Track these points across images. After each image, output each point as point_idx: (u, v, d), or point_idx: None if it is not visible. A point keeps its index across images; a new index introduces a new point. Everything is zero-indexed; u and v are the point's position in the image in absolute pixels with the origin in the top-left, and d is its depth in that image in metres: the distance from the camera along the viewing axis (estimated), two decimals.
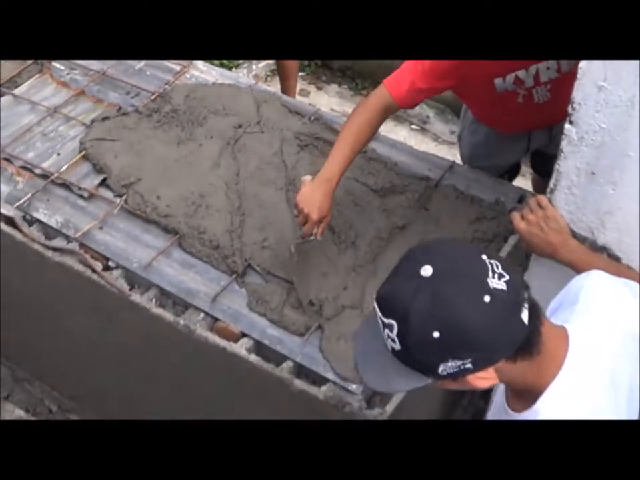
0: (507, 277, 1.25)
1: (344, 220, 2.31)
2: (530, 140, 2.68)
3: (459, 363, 1.25)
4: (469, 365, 1.25)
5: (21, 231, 2.36)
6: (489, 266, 1.25)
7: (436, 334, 1.22)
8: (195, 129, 2.64)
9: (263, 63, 4.70)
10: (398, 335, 1.26)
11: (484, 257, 1.27)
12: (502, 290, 1.24)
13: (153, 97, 2.75)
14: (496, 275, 1.24)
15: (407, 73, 2.16)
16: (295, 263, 2.16)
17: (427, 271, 1.25)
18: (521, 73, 2.27)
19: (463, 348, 1.24)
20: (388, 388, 1.48)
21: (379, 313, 1.29)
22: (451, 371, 1.26)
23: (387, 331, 1.28)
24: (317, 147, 2.58)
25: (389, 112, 2.21)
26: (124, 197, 2.41)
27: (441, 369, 1.26)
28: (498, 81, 2.28)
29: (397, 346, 1.27)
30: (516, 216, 1.84)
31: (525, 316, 1.26)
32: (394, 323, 1.26)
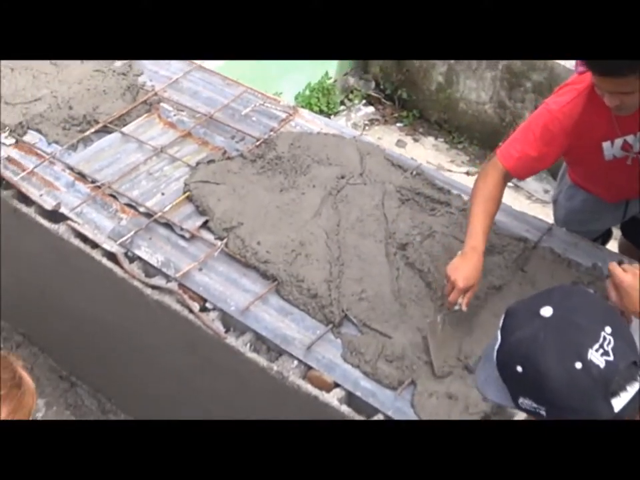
0: (611, 359, 1.31)
1: (441, 277, 2.42)
2: (627, 207, 2.74)
3: (535, 405, 1.35)
4: (543, 412, 1.35)
5: (122, 267, 2.53)
6: (601, 338, 1.32)
7: (519, 368, 1.34)
8: (298, 177, 2.79)
9: (362, 111, 4.88)
10: (497, 349, 1.40)
11: (606, 329, 1.33)
12: (597, 366, 1.31)
13: (257, 143, 2.92)
14: (600, 350, 1.31)
15: (517, 142, 2.29)
16: (437, 333, 2.26)
17: (546, 311, 1.36)
18: (630, 138, 2.35)
19: (538, 395, 1.34)
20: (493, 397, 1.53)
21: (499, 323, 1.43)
22: (529, 408, 1.36)
23: (494, 342, 1.42)
24: (418, 203, 2.70)
25: (506, 181, 2.36)
26: (224, 240, 2.56)
27: (520, 400, 1.37)
28: (606, 145, 2.36)
29: (494, 359, 1.41)
30: (618, 268, 1.87)
31: (617, 403, 1.32)
32: (499, 336, 1.41)
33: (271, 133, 2.99)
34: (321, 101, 4.83)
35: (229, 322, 2.41)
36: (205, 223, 2.64)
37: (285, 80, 4.80)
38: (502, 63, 4.21)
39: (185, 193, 2.73)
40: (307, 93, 4.85)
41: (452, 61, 4.41)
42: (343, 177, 2.77)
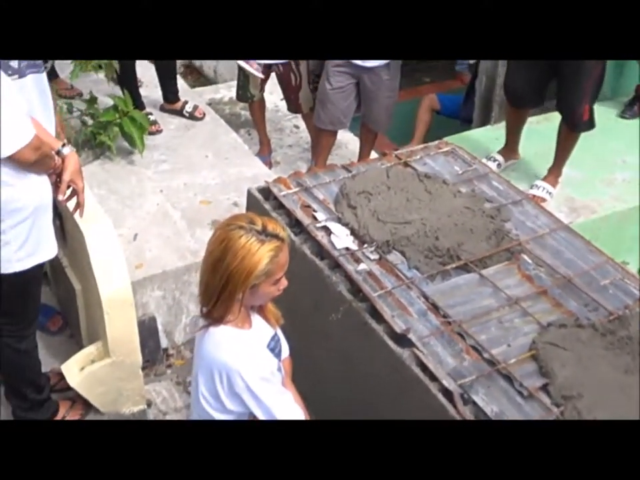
0: None
1: None
2: None
3: None
4: None
5: (455, 407, 2.88)
6: None
7: None
8: None
9: None
10: None
11: None
12: None
13: (611, 318, 3.18)
14: None
15: None
16: None
17: None
18: None
19: None
20: None
21: None
22: None
23: None
24: None
25: None
26: (561, 408, 2.83)
27: None
28: None
29: None
30: None
31: None
32: None
33: (626, 310, 3.25)
34: None
35: None
36: (545, 385, 2.93)
37: (635, 252, 5.08)
38: None
39: (530, 350, 3.04)
40: None
41: None
42: None
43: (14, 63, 3.35)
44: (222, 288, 2.54)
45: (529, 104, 5.61)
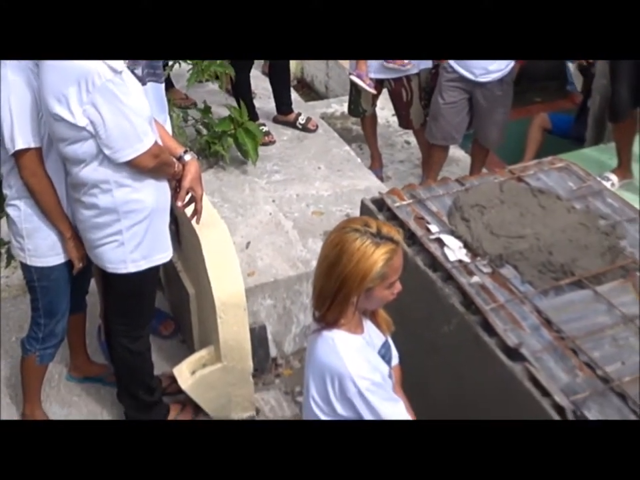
0: None
1: None
2: None
3: None
4: None
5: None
6: None
7: None
8: None
9: None
10: None
11: None
12: None
13: None
14: None
15: None
16: None
17: None
18: None
19: None
20: None
21: None
22: None
23: None
24: None
25: None
26: None
27: None
28: None
29: None
30: None
31: None
32: None
33: None
34: None
35: None
36: None
37: None
38: None
39: None
40: None
41: None
42: None
43: (138, 71, 3.45)
44: (337, 291, 2.56)
45: (625, 112, 5.48)
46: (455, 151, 6.72)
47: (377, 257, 2.52)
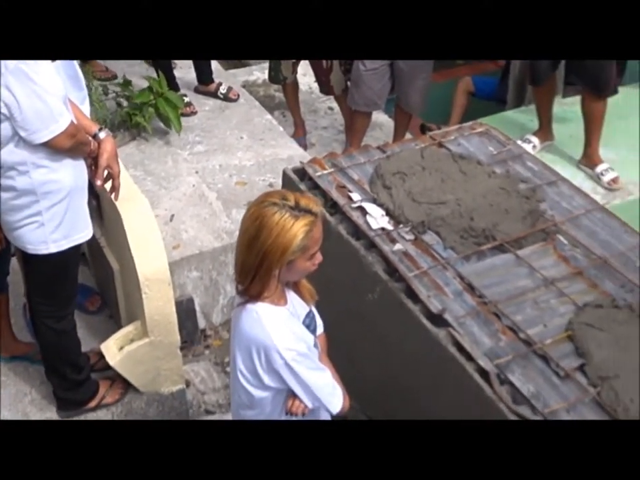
0: None
1: None
2: None
3: None
4: None
5: (492, 387, 2.85)
6: None
7: None
8: None
9: None
10: None
11: None
12: None
13: None
14: None
15: None
16: None
17: None
18: None
19: None
20: None
21: None
22: None
23: None
24: None
25: None
26: (598, 389, 2.80)
27: None
28: None
29: None
30: None
31: None
32: None
33: None
34: None
35: None
36: (582, 365, 2.89)
37: None
38: None
39: (566, 330, 3.00)
40: None
41: None
42: None
43: None
44: (258, 265, 2.54)
45: (545, 76, 5.50)
46: (379, 116, 6.69)
47: (297, 229, 2.49)
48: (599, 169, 5.49)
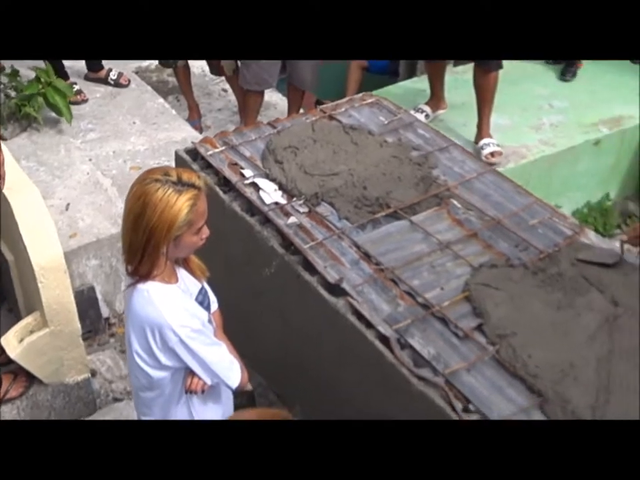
0: None
1: None
2: None
3: None
4: None
5: (393, 352, 2.84)
6: None
7: None
8: (576, 298, 2.99)
9: None
10: None
11: None
12: None
13: (541, 256, 3.16)
14: None
15: None
16: None
17: None
18: None
19: None
20: None
21: None
22: None
23: None
24: None
25: None
26: (497, 347, 2.82)
27: None
28: None
29: None
30: None
31: None
32: None
33: (555, 248, 3.23)
34: (598, 221, 5.06)
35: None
36: (480, 325, 2.91)
37: (565, 196, 5.10)
38: None
39: (464, 291, 3.01)
40: (585, 211, 5.09)
41: None
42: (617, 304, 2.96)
43: None
44: (145, 243, 2.48)
45: None
46: (272, 95, 6.64)
47: (181, 204, 2.45)
48: (481, 142, 5.48)
